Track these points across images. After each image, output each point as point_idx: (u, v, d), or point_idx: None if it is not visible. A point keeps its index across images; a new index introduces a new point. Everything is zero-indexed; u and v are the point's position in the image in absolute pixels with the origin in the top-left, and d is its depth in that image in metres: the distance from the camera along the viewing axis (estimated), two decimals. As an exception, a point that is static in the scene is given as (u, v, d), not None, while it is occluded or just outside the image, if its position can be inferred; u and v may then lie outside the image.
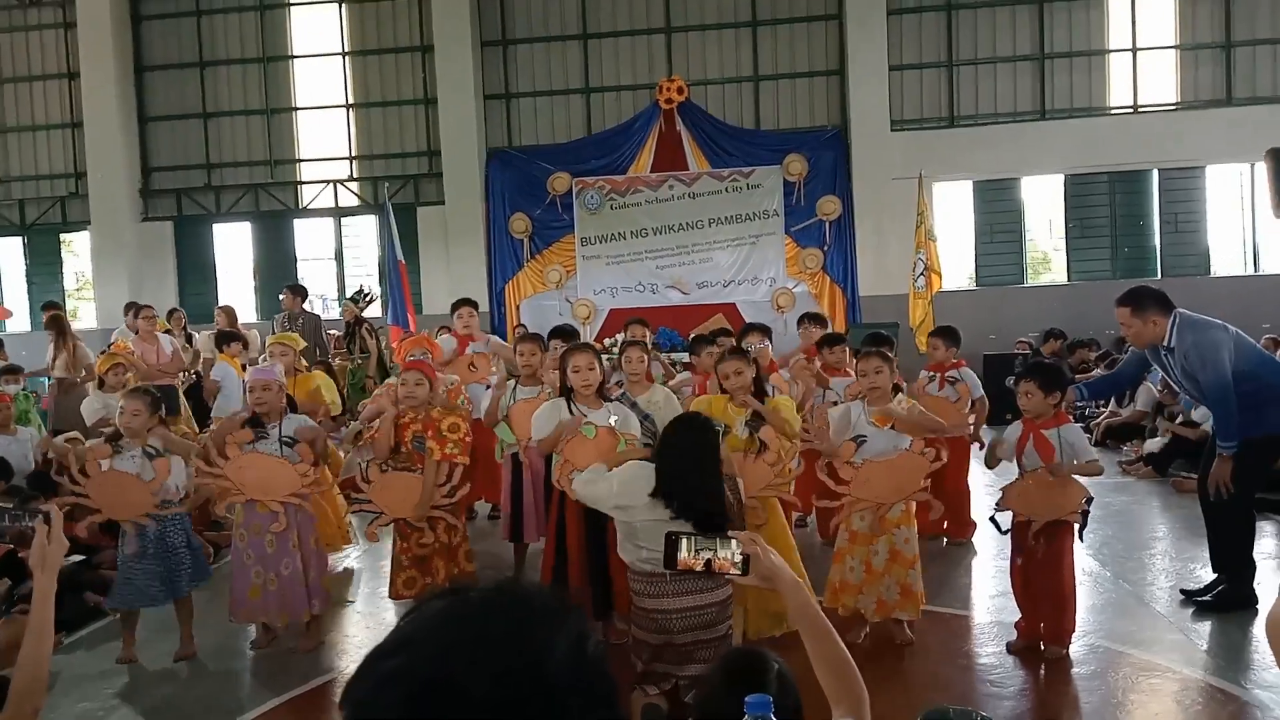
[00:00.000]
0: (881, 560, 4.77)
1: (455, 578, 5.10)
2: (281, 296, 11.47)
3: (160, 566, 4.91)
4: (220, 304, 12.21)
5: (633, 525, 3.66)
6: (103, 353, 9.10)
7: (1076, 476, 4.64)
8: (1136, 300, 5.37)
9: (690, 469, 3.64)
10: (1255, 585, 5.30)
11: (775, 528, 4.96)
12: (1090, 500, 4.66)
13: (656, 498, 3.59)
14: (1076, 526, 4.67)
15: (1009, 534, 4.81)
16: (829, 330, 8.11)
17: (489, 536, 7.19)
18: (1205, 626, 5.00)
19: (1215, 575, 5.42)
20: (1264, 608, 5.35)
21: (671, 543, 1.83)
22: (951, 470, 6.67)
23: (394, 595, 5.23)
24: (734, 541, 1.81)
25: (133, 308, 10.48)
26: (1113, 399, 10.40)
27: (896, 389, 5.06)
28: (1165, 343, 5.28)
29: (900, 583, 4.76)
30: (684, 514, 3.56)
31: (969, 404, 6.70)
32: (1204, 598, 5.39)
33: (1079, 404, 5.21)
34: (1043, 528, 4.62)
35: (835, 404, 5.71)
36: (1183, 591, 5.53)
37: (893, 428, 4.82)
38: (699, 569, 1.82)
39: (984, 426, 7.04)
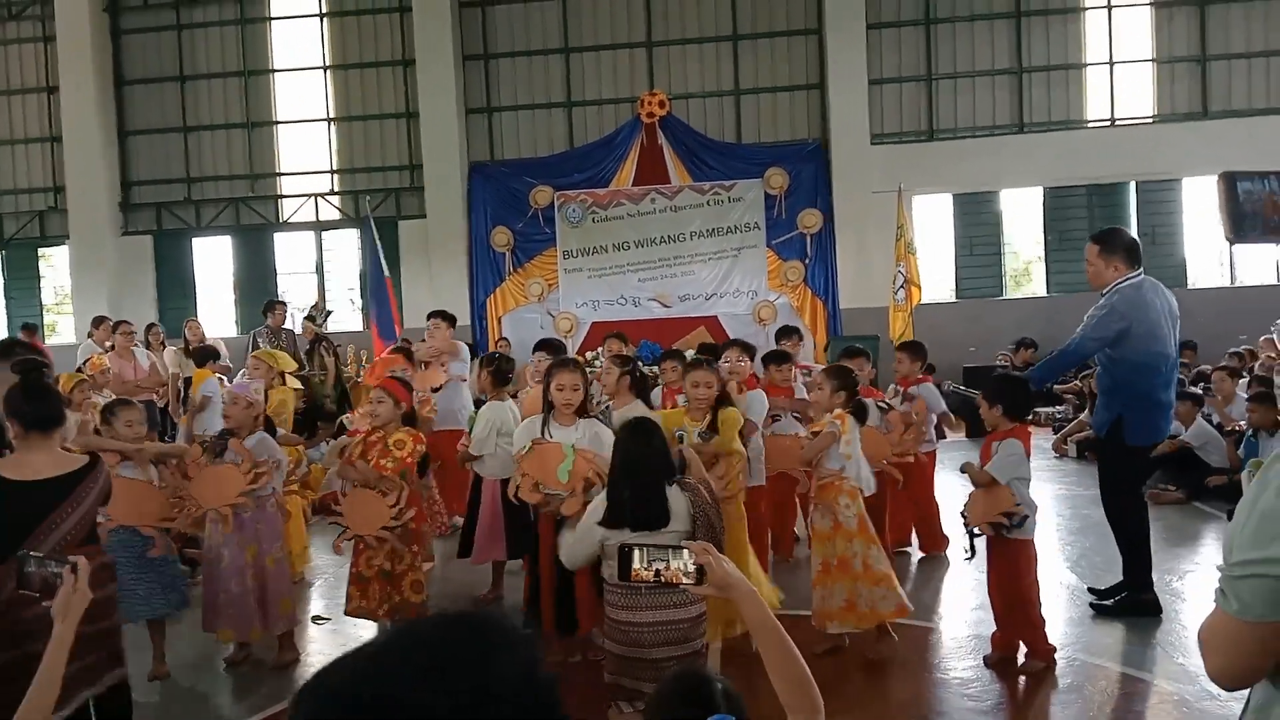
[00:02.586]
0: (831, 561, 4.81)
1: (396, 605, 5.07)
2: (274, 313, 11.34)
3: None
4: (188, 319, 12.11)
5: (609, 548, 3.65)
6: (78, 369, 9.01)
7: (1014, 487, 4.63)
8: (1107, 240, 5.37)
9: (626, 475, 3.66)
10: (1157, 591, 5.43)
11: (734, 540, 4.94)
12: (1013, 516, 4.58)
13: (610, 526, 3.59)
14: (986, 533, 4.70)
15: (972, 549, 4.84)
16: (801, 341, 8.18)
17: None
18: (1183, 640, 5.01)
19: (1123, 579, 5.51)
20: (1187, 612, 5.43)
21: (625, 555, 1.84)
22: (919, 485, 6.70)
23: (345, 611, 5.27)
24: (686, 551, 1.82)
25: (101, 322, 10.39)
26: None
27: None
28: (1105, 290, 5.31)
29: (847, 594, 4.78)
30: (621, 523, 3.57)
31: (930, 419, 6.75)
32: (1105, 602, 5.45)
33: (1032, 386, 5.25)
34: (997, 540, 4.66)
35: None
36: (1091, 591, 5.62)
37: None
38: (651, 580, 1.83)
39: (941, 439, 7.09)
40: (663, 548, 1.85)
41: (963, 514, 4.83)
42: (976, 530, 4.76)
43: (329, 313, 12.06)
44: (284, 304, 11.60)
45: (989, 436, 4.83)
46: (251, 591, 5.00)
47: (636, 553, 1.83)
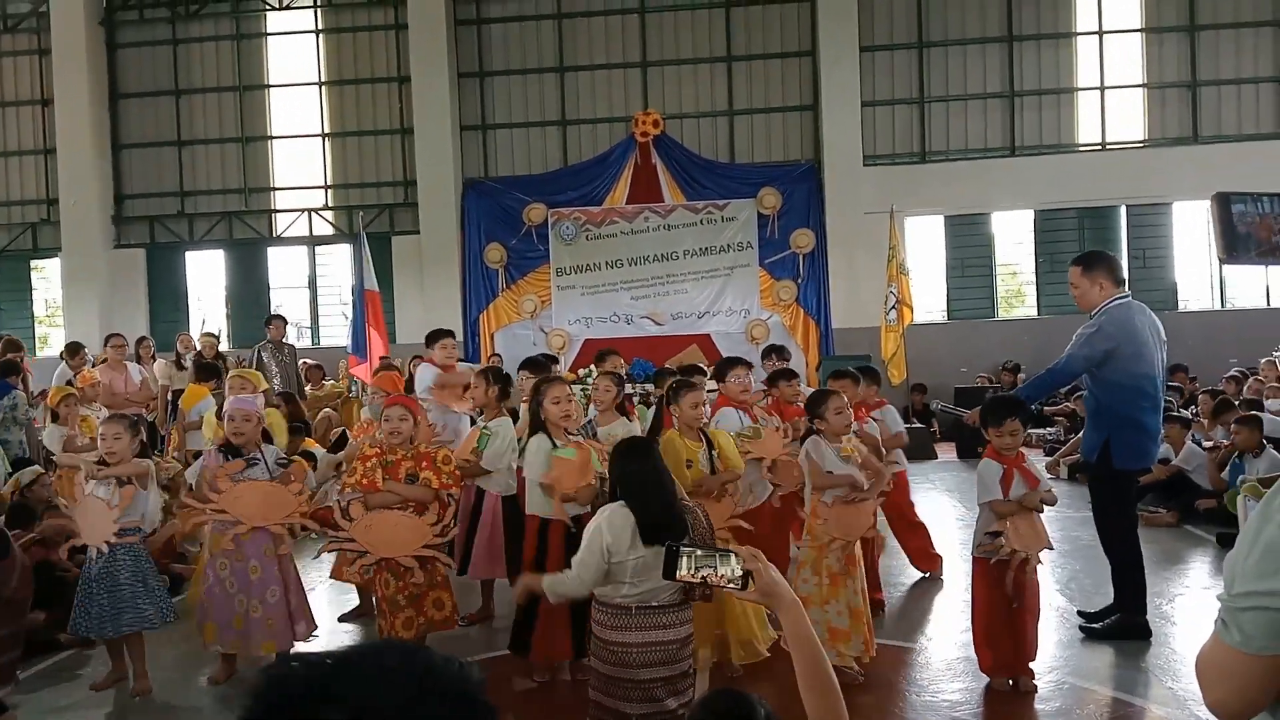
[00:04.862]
0: (861, 601, 4.76)
1: (455, 612, 5.07)
2: (273, 327, 11.29)
3: (105, 598, 4.84)
4: (180, 333, 12.02)
5: (624, 566, 3.56)
6: (69, 382, 8.98)
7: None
8: (1088, 261, 5.40)
9: (652, 493, 3.59)
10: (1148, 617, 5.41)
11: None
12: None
13: (651, 543, 3.50)
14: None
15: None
16: (789, 362, 8.11)
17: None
18: (1173, 664, 5.00)
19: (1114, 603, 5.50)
20: (1178, 636, 5.41)
21: (672, 554, 1.83)
22: (895, 506, 6.62)
23: (392, 635, 5.05)
24: (734, 556, 1.81)
25: (77, 350, 10.31)
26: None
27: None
28: (1093, 311, 5.31)
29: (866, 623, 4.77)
30: (659, 539, 3.48)
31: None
32: (1094, 625, 5.44)
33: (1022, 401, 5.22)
34: (984, 562, 4.74)
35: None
36: (1080, 614, 5.62)
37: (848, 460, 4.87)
38: (697, 583, 1.82)
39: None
40: (711, 552, 1.84)
41: (1015, 545, 4.70)
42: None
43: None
44: (283, 318, 11.61)
45: (1012, 460, 4.81)
46: (289, 600, 5.00)
47: (685, 557, 1.82)
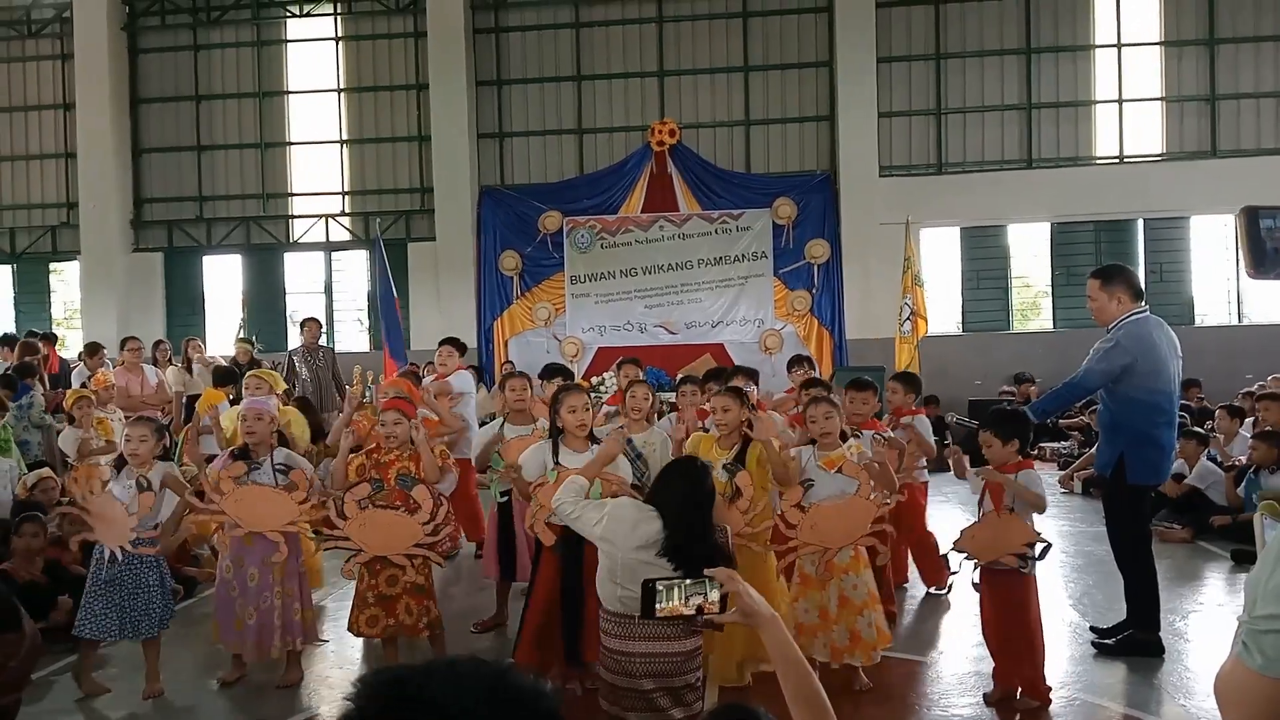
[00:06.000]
0: (833, 606, 4.72)
1: (424, 619, 5.06)
2: (307, 330, 11.11)
3: (124, 602, 4.87)
4: (190, 338, 11.98)
5: (614, 560, 3.61)
6: (83, 384, 9.04)
7: (1031, 521, 4.58)
8: (1107, 274, 5.38)
9: (692, 518, 3.58)
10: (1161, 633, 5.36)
11: (761, 577, 4.73)
12: (1041, 546, 4.56)
13: (664, 556, 3.52)
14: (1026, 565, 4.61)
15: (956, 576, 4.81)
16: (815, 371, 8.10)
17: (472, 576, 7.15)
18: (1186, 681, 4.97)
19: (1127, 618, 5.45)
20: (1191, 653, 5.38)
21: (649, 591, 1.82)
22: (911, 517, 6.59)
23: (354, 631, 5.12)
24: (713, 581, 1.81)
25: (95, 350, 10.32)
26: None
27: (844, 435, 5.02)
28: (1110, 325, 5.28)
29: (850, 628, 4.70)
30: (681, 562, 3.48)
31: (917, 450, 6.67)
32: (1107, 640, 5.40)
33: (1035, 419, 5.17)
34: (999, 574, 4.60)
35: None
36: (1093, 629, 5.58)
37: (839, 471, 4.77)
38: (690, 614, 1.82)
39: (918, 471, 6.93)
40: (700, 579, 1.84)
41: (957, 547, 4.73)
42: (958, 567, 4.71)
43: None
44: (317, 321, 11.27)
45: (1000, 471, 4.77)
46: (277, 609, 5.00)
47: (664, 591, 1.82)
